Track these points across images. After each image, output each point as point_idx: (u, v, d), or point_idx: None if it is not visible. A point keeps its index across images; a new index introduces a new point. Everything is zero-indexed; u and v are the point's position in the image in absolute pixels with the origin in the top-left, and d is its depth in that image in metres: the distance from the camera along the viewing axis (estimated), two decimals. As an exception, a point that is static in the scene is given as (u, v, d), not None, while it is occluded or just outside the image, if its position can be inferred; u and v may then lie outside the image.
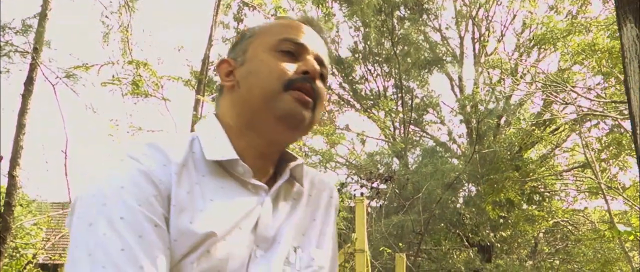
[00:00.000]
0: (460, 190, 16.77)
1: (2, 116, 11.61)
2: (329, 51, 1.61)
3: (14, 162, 9.66)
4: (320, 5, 20.13)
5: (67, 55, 17.86)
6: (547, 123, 16.76)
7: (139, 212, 1.30)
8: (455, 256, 16.42)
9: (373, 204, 14.07)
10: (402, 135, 18.77)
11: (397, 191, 14.07)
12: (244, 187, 1.46)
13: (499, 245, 16.40)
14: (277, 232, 1.48)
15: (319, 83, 1.50)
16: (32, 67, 10.40)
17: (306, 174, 1.61)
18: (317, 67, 1.49)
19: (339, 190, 10.80)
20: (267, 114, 1.45)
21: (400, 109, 19.24)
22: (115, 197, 1.31)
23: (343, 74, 20.71)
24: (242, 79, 1.50)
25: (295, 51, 1.50)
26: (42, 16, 10.63)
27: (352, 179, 14.71)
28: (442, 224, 16.14)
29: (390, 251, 11.49)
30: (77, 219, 1.33)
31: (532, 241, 17.61)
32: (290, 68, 1.47)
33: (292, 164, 1.54)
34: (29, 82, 10.32)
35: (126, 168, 1.35)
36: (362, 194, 11.45)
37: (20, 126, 10.10)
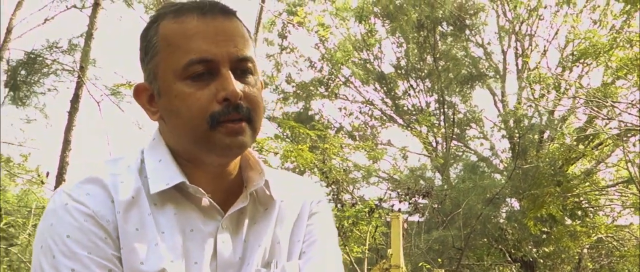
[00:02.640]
0: (503, 205, 16.68)
1: (49, 133, 11.88)
2: (242, 25, 1.42)
3: (59, 177, 9.88)
4: (362, 22, 20.33)
5: (112, 73, 18.13)
6: (590, 138, 16.61)
7: (89, 261, 1.27)
8: (497, 272, 16.35)
9: (413, 219, 14.09)
10: (444, 150, 18.78)
11: (435, 206, 14.07)
12: (200, 211, 1.39)
13: (542, 261, 16.26)
14: (245, 251, 1.42)
15: (250, 96, 1.37)
16: (78, 85, 10.59)
17: (277, 182, 1.49)
18: (235, 87, 1.33)
19: (376, 205, 10.89)
20: (204, 152, 1.37)
21: (442, 124, 19.25)
22: (62, 249, 1.27)
23: (385, 89, 20.79)
24: (166, 117, 1.39)
25: (206, 70, 1.34)
26: (88, 36, 10.80)
27: (390, 194, 14.71)
28: (485, 240, 16.07)
29: (429, 266, 11.49)
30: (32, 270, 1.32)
31: (576, 257, 17.42)
32: (207, 98, 1.33)
33: (252, 187, 1.44)
34: (75, 99, 10.53)
35: (70, 214, 1.30)
36: (399, 209, 11.48)
37: (66, 142, 10.33)
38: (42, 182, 12.06)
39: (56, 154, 10.27)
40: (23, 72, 10.88)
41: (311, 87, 21.53)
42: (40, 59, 11.07)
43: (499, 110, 19.40)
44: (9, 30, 11.06)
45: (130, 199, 1.34)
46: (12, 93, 10.88)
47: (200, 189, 1.37)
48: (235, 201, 1.43)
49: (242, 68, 1.37)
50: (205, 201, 1.39)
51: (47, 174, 11.26)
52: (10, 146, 13.44)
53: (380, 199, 11.42)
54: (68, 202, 1.32)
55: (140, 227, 1.32)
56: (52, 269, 1.27)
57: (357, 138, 20.56)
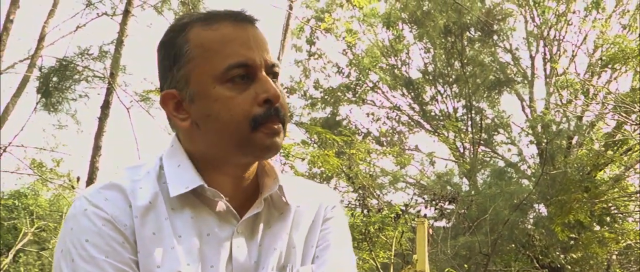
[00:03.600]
0: (530, 211, 16.62)
1: (80, 138, 12.01)
2: (264, 36, 1.47)
3: (90, 182, 9.98)
4: (390, 28, 20.38)
5: (142, 80, 18.32)
6: (619, 144, 16.50)
7: (106, 264, 1.31)
8: (525, 278, 16.27)
9: (440, 224, 14.10)
10: (472, 156, 18.75)
11: (461, 211, 14.06)
12: (216, 215, 1.42)
13: (570, 267, 16.16)
14: (260, 255, 1.44)
15: (281, 100, 1.41)
16: (108, 92, 10.71)
17: (293, 188, 1.53)
18: (275, 88, 1.39)
19: (402, 211, 10.93)
20: (241, 154, 1.41)
21: (470, 129, 19.23)
22: (81, 253, 1.31)
23: (413, 95, 20.80)
24: (201, 122, 1.40)
25: (245, 74, 1.39)
26: (118, 42, 10.91)
27: (416, 200, 14.74)
28: (512, 246, 16.02)
29: (454, 272, 11.49)
30: None
31: (605, 264, 17.28)
32: (249, 101, 1.38)
33: (267, 192, 1.47)
34: (105, 105, 10.63)
35: (89, 219, 1.34)
36: (425, 215, 11.50)
37: (97, 148, 10.46)
38: (73, 187, 12.22)
39: (87, 160, 10.44)
40: (55, 78, 11.00)
41: (339, 93, 21.60)
42: (72, 65, 11.20)
43: (526, 116, 19.35)
44: (41, 38, 11.21)
45: (148, 204, 1.38)
46: (44, 99, 11.01)
47: (219, 192, 1.41)
48: (250, 206, 1.46)
49: (273, 73, 1.42)
50: (222, 205, 1.43)
51: (78, 179, 11.40)
52: (42, 151, 13.65)
53: (406, 205, 11.47)
54: (87, 207, 1.36)
55: (157, 232, 1.36)
56: None
57: (385, 144, 20.59)
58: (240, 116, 1.36)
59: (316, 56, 21.82)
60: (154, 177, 1.43)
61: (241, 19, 1.43)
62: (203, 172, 1.42)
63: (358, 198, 13.11)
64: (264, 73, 1.40)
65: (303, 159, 12.45)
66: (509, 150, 20.00)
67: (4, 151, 11.11)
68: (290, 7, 12.61)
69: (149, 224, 1.36)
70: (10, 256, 17.82)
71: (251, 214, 1.45)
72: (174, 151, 1.46)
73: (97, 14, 11.91)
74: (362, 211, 11.80)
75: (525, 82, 19.61)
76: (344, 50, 21.45)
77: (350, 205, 14.30)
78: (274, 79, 1.42)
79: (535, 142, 18.17)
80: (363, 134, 21.06)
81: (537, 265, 16.04)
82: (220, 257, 1.39)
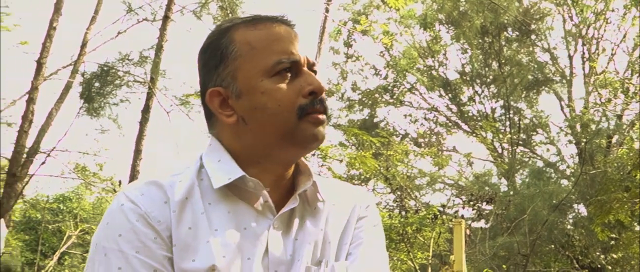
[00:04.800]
0: (569, 211, 16.51)
1: (122, 143, 12.16)
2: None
3: (131, 186, 10.15)
4: (427, 29, 20.38)
5: (181, 84, 18.53)
6: (660, 142, 16.32)
7: (136, 260, 1.34)
8: (565, 278, 16.16)
9: (478, 225, 14.09)
10: (510, 156, 18.68)
11: (499, 212, 14.02)
12: (253, 209, 1.45)
13: (610, 267, 16.01)
14: (295, 250, 1.47)
15: (324, 94, 1.48)
16: (149, 96, 10.86)
17: (328, 187, 1.58)
18: (319, 82, 1.46)
19: (440, 211, 10.97)
20: (287, 145, 1.45)
21: (508, 130, 19.16)
22: (113, 247, 1.35)
23: (450, 96, 20.79)
24: (248, 115, 1.45)
25: (291, 68, 1.45)
26: (158, 47, 11.05)
27: (454, 201, 14.73)
28: (551, 246, 15.93)
29: (493, 272, 11.48)
30: (86, 267, 1.40)
31: (646, 264, 17.10)
32: (295, 92, 1.44)
33: (302, 188, 1.51)
34: (146, 110, 10.79)
35: (124, 214, 1.38)
36: (463, 216, 11.52)
37: (137, 152, 10.63)
38: (115, 191, 12.40)
39: (129, 163, 10.61)
40: (97, 84, 11.16)
41: (376, 95, 21.67)
42: (113, 71, 11.36)
43: (565, 115, 19.23)
44: (84, 44, 11.39)
45: (184, 199, 1.41)
46: (86, 104, 11.18)
47: (260, 182, 1.44)
48: (286, 203, 1.49)
49: (312, 72, 1.49)
50: (259, 200, 1.46)
51: (119, 182, 11.59)
52: (85, 155, 13.88)
53: (443, 206, 11.50)
54: (124, 203, 1.40)
55: (193, 226, 1.39)
56: (101, 267, 1.35)
57: (422, 145, 20.60)
58: (288, 106, 1.42)
59: (353, 58, 21.92)
60: (193, 173, 1.47)
61: (281, 21, 1.51)
62: (243, 169, 1.45)
63: (396, 199, 13.17)
64: (306, 68, 1.48)
65: (341, 161, 12.52)
66: (548, 150, 19.91)
67: (48, 155, 11.32)
68: (327, 10, 12.71)
69: (185, 218, 1.40)
70: (55, 258, 18.15)
71: (287, 209, 1.48)
72: (213, 149, 1.51)
73: (138, 20, 12.08)
74: (400, 212, 11.85)
75: (564, 81, 19.50)
76: (381, 52, 21.53)
77: (388, 206, 14.35)
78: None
79: (574, 141, 18.05)
80: (401, 136, 21.11)
81: (577, 265, 15.92)
82: (256, 250, 1.42)
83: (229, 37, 1.49)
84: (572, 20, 19.51)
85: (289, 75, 1.45)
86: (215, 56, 1.50)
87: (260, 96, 1.43)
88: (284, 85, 1.43)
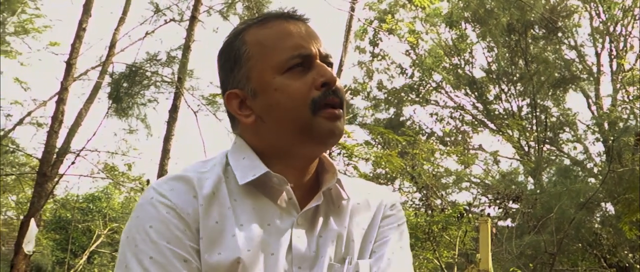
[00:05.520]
0: (597, 210, 16.41)
1: (150, 142, 12.22)
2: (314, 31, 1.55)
3: (159, 186, 10.22)
4: (453, 27, 20.35)
5: (208, 84, 18.62)
6: (689, 140, 16.18)
7: (167, 250, 1.36)
8: (592, 277, 16.05)
9: (505, 224, 14.05)
10: (537, 154, 18.61)
11: (525, 210, 13.97)
12: (277, 206, 1.47)
13: (638, 266, 15.89)
14: (319, 247, 1.48)
15: (338, 84, 1.47)
16: (176, 96, 10.93)
17: (352, 186, 1.59)
18: (331, 73, 1.46)
19: (466, 210, 10.96)
20: (304, 141, 1.45)
21: (534, 128, 19.09)
22: (144, 238, 1.37)
23: (476, 94, 20.74)
24: (264, 113, 1.47)
25: (303, 63, 1.45)
26: (185, 48, 11.11)
27: (480, 199, 14.71)
28: (579, 245, 15.84)
29: None
30: (117, 261, 1.41)
31: (675, 263, 16.95)
32: (308, 85, 1.44)
33: (326, 185, 1.52)
34: (173, 110, 10.85)
35: (154, 206, 1.41)
36: (489, 214, 11.50)
37: (165, 152, 10.70)
38: (143, 190, 12.47)
39: (157, 163, 10.69)
40: (125, 84, 11.25)
41: (402, 94, 21.67)
42: (141, 71, 11.44)
43: (593, 113, 19.12)
44: (112, 45, 11.52)
45: (211, 194, 1.43)
46: (115, 105, 11.28)
47: (284, 178, 1.45)
48: (310, 200, 1.50)
49: (327, 63, 1.49)
50: (283, 197, 1.47)
51: (148, 181, 11.67)
52: (114, 155, 14.01)
53: (469, 204, 11.48)
54: (154, 196, 1.42)
55: (219, 220, 1.41)
56: (133, 257, 1.37)
57: (449, 143, 20.58)
58: (300, 101, 1.42)
59: (379, 57, 21.93)
60: (219, 170, 1.48)
61: (291, 17, 1.52)
62: (267, 166, 1.46)
63: (422, 198, 13.18)
64: (319, 61, 1.47)
65: (367, 160, 12.54)
66: (575, 148, 19.82)
67: (78, 155, 11.44)
68: (352, 9, 12.72)
69: (212, 213, 1.42)
70: (85, 257, 18.33)
71: (311, 206, 1.49)
72: (238, 147, 1.52)
73: (165, 20, 12.20)
74: (426, 211, 11.85)
75: (591, 79, 19.38)
76: (406, 50, 21.54)
77: (413, 205, 14.36)
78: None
79: (601, 139, 17.94)
80: (427, 134, 21.10)
81: (605, 264, 15.82)
82: (280, 246, 1.43)
83: (242, 39, 1.51)
84: (599, 17, 19.42)
85: (302, 69, 1.45)
86: (230, 59, 1.52)
87: (274, 93, 1.44)
88: (296, 80, 1.44)
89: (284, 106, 1.43)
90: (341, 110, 1.46)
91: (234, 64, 1.51)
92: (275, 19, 1.51)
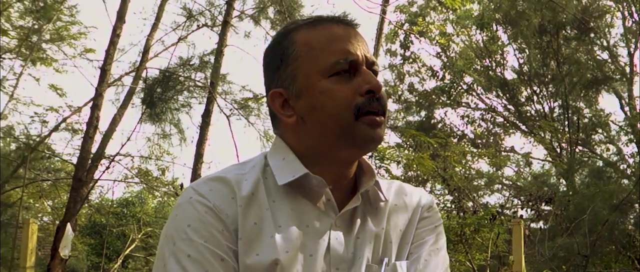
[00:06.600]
0: (630, 211, 16.26)
1: (183, 147, 12.28)
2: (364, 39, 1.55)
3: (193, 190, 10.30)
4: (484, 29, 20.30)
5: (241, 88, 18.69)
6: None
7: (204, 248, 1.38)
8: (625, 279, 15.90)
9: (537, 226, 13.97)
10: (569, 156, 18.50)
11: (558, 212, 13.89)
12: (316, 208, 1.47)
13: (673, 268, 15.74)
14: (356, 249, 1.48)
15: (382, 91, 1.47)
16: (209, 101, 11.03)
17: (390, 188, 1.60)
18: (376, 80, 1.47)
19: (498, 212, 10.94)
20: (344, 145, 1.46)
21: (567, 129, 18.98)
22: (182, 236, 1.39)
23: (508, 96, 20.66)
24: (306, 115, 1.47)
25: (349, 68, 1.46)
26: (218, 52, 11.21)
27: (512, 201, 14.66)
28: (612, 247, 15.71)
29: (553, 273, 11.37)
30: (156, 259, 1.44)
31: None
32: (352, 91, 1.44)
33: (364, 187, 1.52)
34: (206, 114, 10.97)
35: (193, 206, 1.42)
36: (521, 216, 11.45)
37: (198, 156, 10.83)
38: (177, 195, 12.56)
39: (190, 167, 10.80)
40: (159, 89, 11.35)
41: (433, 96, 21.65)
42: (174, 76, 11.54)
43: (625, 114, 18.97)
44: (146, 51, 11.60)
45: (250, 195, 1.44)
46: (149, 110, 11.39)
47: (323, 180, 1.45)
48: (348, 201, 1.50)
49: (373, 70, 1.49)
50: (322, 199, 1.48)
51: (181, 186, 11.77)
52: (148, 160, 14.11)
53: (502, 206, 11.46)
54: (193, 196, 1.44)
55: (258, 221, 1.42)
56: (171, 255, 1.39)
57: (480, 146, 20.52)
58: (344, 105, 1.43)
59: (410, 60, 21.93)
60: (258, 171, 1.50)
61: (342, 21, 1.52)
62: (306, 167, 1.47)
63: (453, 200, 13.17)
64: (365, 68, 1.47)
65: (398, 163, 12.54)
66: (608, 149, 19.67)
67: (113, 160, 11.59)
68: (383, 12, 12.76)
69: (251, 214, 1.42)
70: (120, 261, 18.51)
71: (349, 208, 1.49)
72: (277, 148, 1.53)
73: (198, 26, 12.30)
74: (458, 213, 11.83)
75: (624, 79, 19.24)
76: (438, 53, 21.51)
77: (445, 207, 14.34)
78: (375, 75, 1.50)
79: (635, 140, 17.79)
80: (458, 137, 21.06)
81: (639, 266, 15.68)
82: (318, 248, 1.43)
83: (291, 39, 1.51)
84: (632, 17, 19.26)
85: (348, 75, 1.45)
86: (276, 58, 1.52)
87: (318, 96, 1.44)
88: (341, 85, 1.44)
89: (327, 109, 1.44)
90: (383, 118, 1.47)
91: (280, 63, 1.51)
92: (326, 22, 1.52)
